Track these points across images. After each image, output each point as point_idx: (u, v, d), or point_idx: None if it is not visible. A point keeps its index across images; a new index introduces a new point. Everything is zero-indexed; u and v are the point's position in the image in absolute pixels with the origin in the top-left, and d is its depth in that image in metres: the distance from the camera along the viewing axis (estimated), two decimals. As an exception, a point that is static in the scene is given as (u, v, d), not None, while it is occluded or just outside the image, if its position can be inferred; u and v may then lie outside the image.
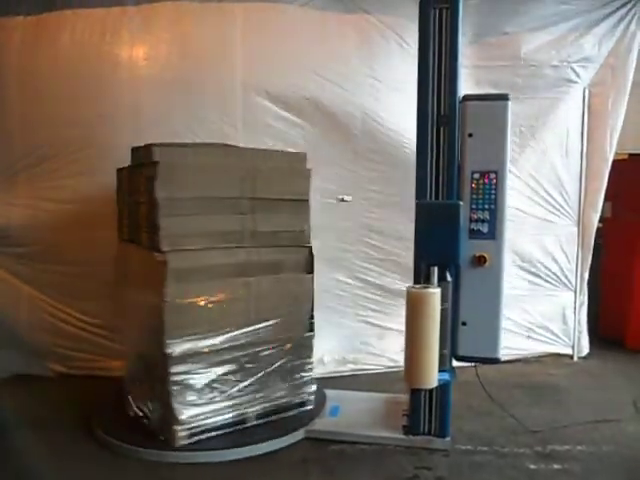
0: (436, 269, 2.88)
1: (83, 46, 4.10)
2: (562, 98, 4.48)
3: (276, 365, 3.33)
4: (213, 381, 3.10)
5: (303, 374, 3.48)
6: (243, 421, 3.21)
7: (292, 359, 3.41)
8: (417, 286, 2.90)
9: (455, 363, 3.09)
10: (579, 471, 2.87)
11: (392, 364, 4.29)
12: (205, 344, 3.07)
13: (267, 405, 3.30)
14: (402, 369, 3.94)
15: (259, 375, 3.26)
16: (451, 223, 2.88)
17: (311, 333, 3.50)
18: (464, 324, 2.98)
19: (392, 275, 4.37)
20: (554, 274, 4.67)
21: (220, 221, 3.17)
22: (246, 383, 3.22)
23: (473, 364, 3.26)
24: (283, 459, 3.01)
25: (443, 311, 2.86)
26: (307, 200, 3.47)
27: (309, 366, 3.51)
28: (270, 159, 3.39)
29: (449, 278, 2.92)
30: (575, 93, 4.51)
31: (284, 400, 3.38)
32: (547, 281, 4.67)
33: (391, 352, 4.27)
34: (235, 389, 3.18)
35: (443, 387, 3.05)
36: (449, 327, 2.94)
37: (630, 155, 5.12)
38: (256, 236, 3.28)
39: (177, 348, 2.98)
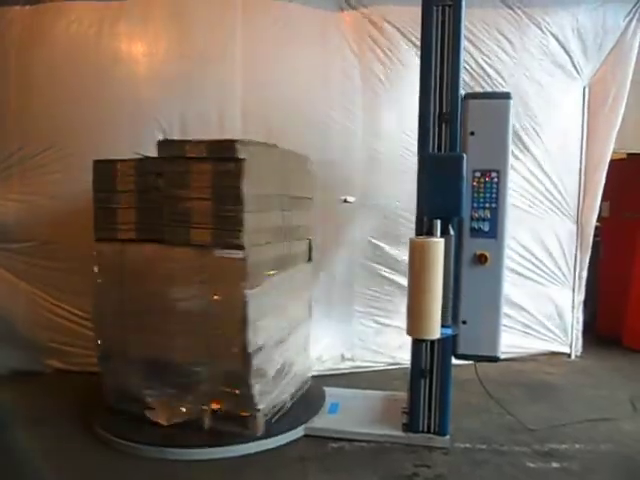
0: (439, 222, 2.86)
1: (80, 39, 4.08)
2: (562, 96, 4.48)
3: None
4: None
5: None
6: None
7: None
8: (420, 237, 2.90)
9: (454, 361, 3.09)
10: (577, 469, 2.88)
11: (391, 361, 4.30)
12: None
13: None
14: (401, 366, 4.02)
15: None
16: (454, 175, 2.84)
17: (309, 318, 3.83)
18: (464, 322, 2.98)
19: (391, 271, 4.37)
20: (552, 272, 4.68)
21: (273, 217, 3.28)
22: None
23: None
24: (282, 456, 3.00)
25: (446, 266, 2.83)
26: (312, 198, 3.76)
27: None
28: (292, 160, 3.56)
29: (452, 232, 2.91)
30: (575, 91, 4.51)
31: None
32: (545, 279, 4.68)
33: (390, 349, 4.28)
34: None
35: (442, 385, 3.07)
36: (451, 282, 2.92)
37: (628, 154, 5.13)
38: (289, 231, 3.44)
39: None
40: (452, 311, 2.96)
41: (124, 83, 4.06)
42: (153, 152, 3.21)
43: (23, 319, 4.12)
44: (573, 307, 4.72)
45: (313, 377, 4.02)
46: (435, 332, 2.82)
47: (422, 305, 2.79)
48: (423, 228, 2.94)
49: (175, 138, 3.91)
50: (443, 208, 2.87)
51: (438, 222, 2.85)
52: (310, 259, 3.82)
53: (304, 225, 3.69)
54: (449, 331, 2.94)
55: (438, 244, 2.78)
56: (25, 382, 3.91)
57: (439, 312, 2.81)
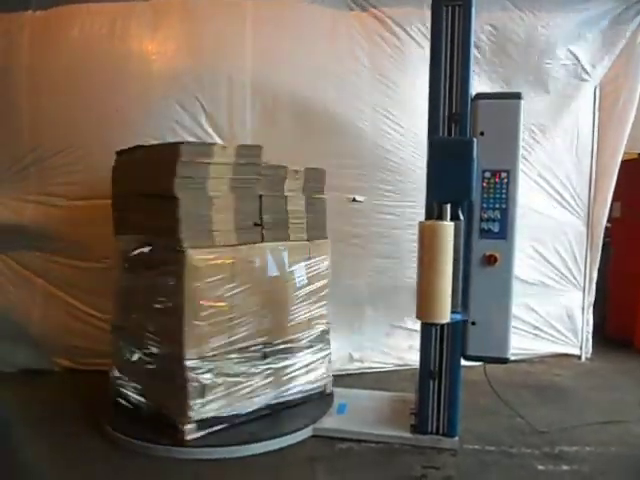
0: (449, 207, 2.83)
1: (93, 41, 4.10)
2: (573, 96, 4.45)
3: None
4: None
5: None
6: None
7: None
8: (430, 220, 2.87)
9: (463, 362, 3.07)
10: (588, 472, 2.85)
11: (400, 362, 4.29)
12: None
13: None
14: (410, 367, 4.00)
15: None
16: (464, 159, 2.79)
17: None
18: (473, 323, 2.97)
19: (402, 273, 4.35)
20: (562, 273, 4.65)
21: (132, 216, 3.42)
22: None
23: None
24: (290, 457, 3.00)
25: (455, 251, 2.79)
26: (174, 197, 2.95)
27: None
28: (144, 153, 3.34)
29: (461, 217, 2.88)
30: (586, 92, 4.48)
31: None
32: (555, 280, 4.65)
33: (399, 350, 4.26)
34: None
35: (451, 386, 3.06)
36: (461, 268, 2.89)
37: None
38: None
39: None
40: (462, 298, 2.93)
41: (136, 84, 4.08)
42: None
43: (39, 317, 4.17)
44: (583, 309, 4.68)
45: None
46: (445, 316, 2.78)
47: (432, 289, 2.76)
48: (433, 213, 2.90)
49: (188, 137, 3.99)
50: (453, 192, 2.83)
51: (448, 206, 2.82)
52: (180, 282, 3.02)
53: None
54: (459, 316, 2.91)
55: (448, 227, 2.75)
56: (35, 380, 3.94)
57: (449, 296, 2.77)
